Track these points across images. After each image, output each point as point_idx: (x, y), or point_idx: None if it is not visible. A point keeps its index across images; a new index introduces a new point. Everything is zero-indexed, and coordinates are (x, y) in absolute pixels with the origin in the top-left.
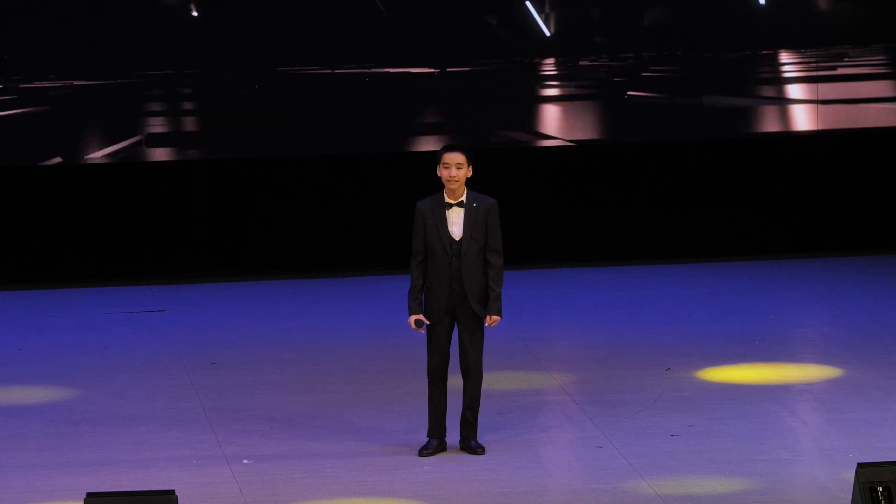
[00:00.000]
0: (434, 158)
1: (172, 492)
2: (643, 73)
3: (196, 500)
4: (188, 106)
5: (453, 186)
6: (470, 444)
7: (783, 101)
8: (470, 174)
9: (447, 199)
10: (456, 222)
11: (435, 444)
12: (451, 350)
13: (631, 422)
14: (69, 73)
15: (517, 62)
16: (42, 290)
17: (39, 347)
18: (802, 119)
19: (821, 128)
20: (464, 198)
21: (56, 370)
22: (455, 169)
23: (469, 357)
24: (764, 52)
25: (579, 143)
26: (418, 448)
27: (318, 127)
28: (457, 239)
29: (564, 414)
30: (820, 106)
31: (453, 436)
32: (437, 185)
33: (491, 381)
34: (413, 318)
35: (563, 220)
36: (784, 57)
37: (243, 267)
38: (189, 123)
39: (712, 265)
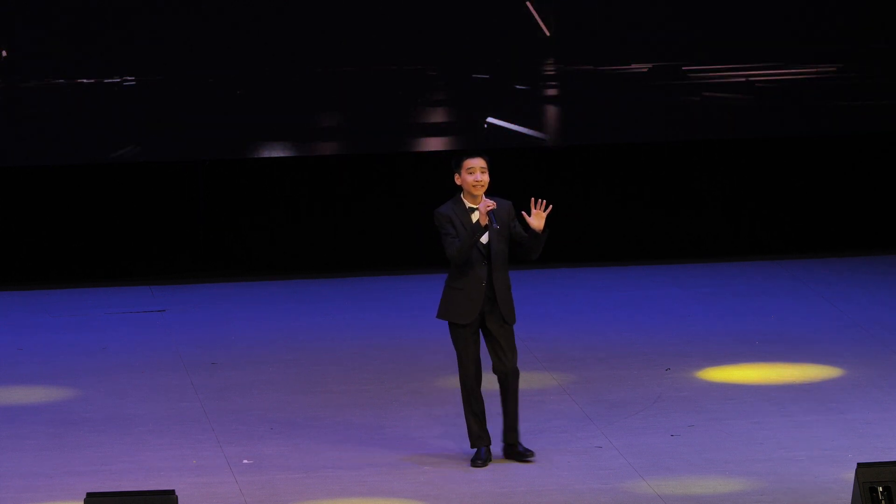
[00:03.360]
0: (432, 161)
1: (172, 492)
2: (643, 74)
3: (196, 500)
4: (188, 106)
5: (478, 192)
6: (518, 450)
7: (783, 102)
8: (489, 180)
9: (469, 205)
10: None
11: (486, 452)
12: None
13: (631, 422)
14: (69, 73)
15: (516, 62)
16: (42, 290)
17: (39, 347)
18: (802, 119)
19: (821, 129)
20: None
21: (56, 370)
22: (480, 173)
23: (506, 362)
24: (763, 52)
25: (579, 144)
26: (420, 449)
27: (318, 127)
28: (485, 243)
29: (564, 414)
30: (819, 107)
31: (458, 440)
32: (438, 186)
33: (491, 381)
34: (482, 213)
35: (563, 220)
36: (784, 57)
37: (243, 267)
38: (188, 124)
39: (712, 265)
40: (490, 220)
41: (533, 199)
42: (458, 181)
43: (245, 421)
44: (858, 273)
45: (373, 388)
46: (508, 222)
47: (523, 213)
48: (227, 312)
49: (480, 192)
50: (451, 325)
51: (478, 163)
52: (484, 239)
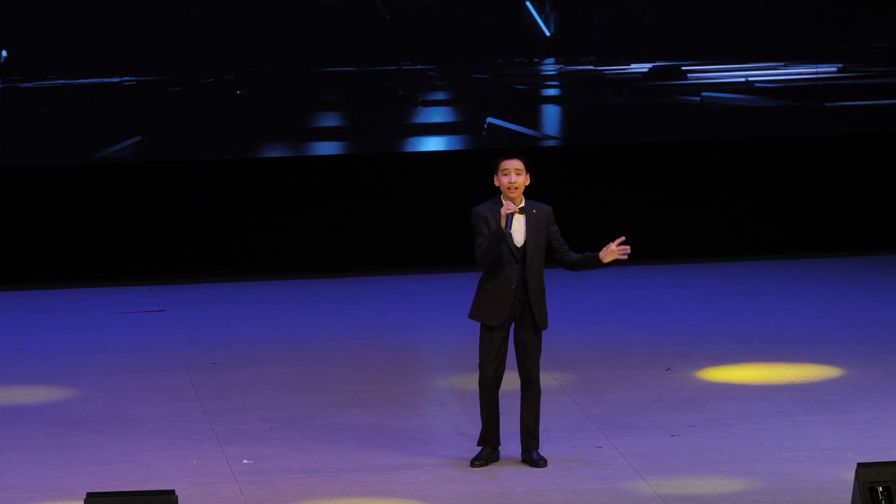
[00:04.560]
0: (432, 161)
1: (172, 492)
2: (643, 74)
3: (196, 500)
4: (188, 106)
5: (513, 194)
6: (532, 457)
7: (783, 102)
8: (528, 182)
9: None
10: (517, 229)
11: (487, 453)
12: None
13: (631, 422)
14: (69, 73)
15: (517, 62)
16: (42, 290)
17: (39, 347)
18: (803, 119)
19: (821, 128)
20: (523, 204)
21: (56, 370)
22: (515, 175)
23: (529, 369)
24: (764, 52)
25: (579, 143)
26: (420, 449)
27: (317, 127)
28: (519, 245)
29: (564, 414)
30: (820, 106)
31: (458, 440)
32: (438, 186)
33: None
34: (502, 216)
35: (562, 221)
36: (784, 57)
37: (243, 267)
38: (189, 123)
39: (712, 265)
40: (506, 223)
41: (623, 238)
42: (496, 182)
43: (245, 421)
44: (858, 273)
45: (373, 388)
46: (547, 227)
47: (610, 245)
48: (227, 312)
49: (515, 194)
50: (481, 325)
51: (513, 164)
52: (519, 242)
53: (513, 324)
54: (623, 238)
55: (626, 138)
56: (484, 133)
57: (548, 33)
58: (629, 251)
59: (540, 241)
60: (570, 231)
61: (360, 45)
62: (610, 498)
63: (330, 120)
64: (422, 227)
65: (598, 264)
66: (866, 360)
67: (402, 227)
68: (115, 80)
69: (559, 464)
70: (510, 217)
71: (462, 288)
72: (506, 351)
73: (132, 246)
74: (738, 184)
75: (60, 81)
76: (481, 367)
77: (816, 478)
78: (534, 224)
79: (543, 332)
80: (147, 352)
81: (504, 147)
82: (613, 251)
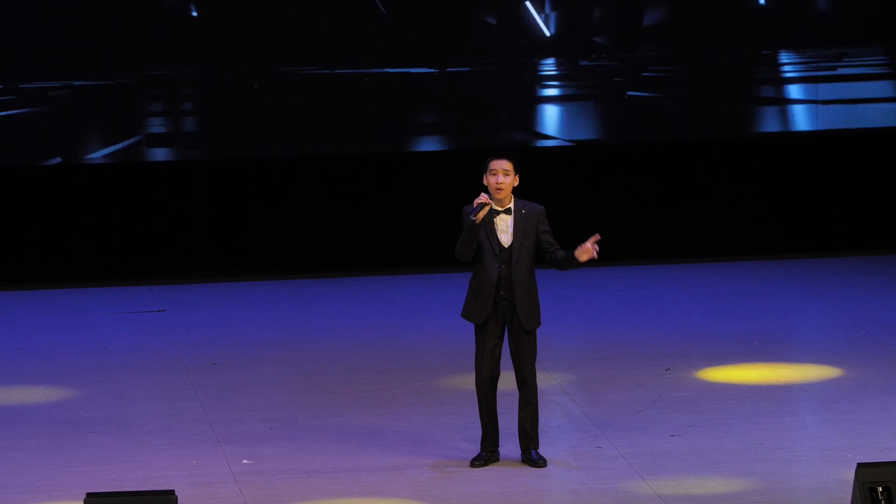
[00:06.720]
0: (432, 161)
1: (172, 492)
2: (643, 73)
3: (196, 500)
4: (188, 106)
5: (500, 196)
6: (531, 457)
7: (783, 101)
8: (517, 183)
9: (494, 206)
10: (504, 229)
11: (486, 455)
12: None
13: (631, 422)
14: (69, 73)
15: (517, 62)
16: (42, 290)
17: (39, 347)
18: (802, 119)
19: (821, 128)
20: (511, 205)
21: (56, 370)
22: (502, 175)
23: (523, 369)
24: (764, 52)
25: (579, 143)
26: (420, 449)
27: (318, 127)
28: (506, 246)
29: (564, 414)
30: (820, 106)
31: (458, 440)
32: (438, 185)
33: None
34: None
35: (562, 221)
36: (784, 57)
37: (243, 267)
38: (189, 123)
39: (712, 265)
40: (478, 213)
41: (598, 237)
42: (485, 181)
43: (245, 421)
44: (858, 273)
45: (373, 388)
46: (536, 227)
47: (585, 244)
48: (227, 312)
49: (501, 195)
50: (474, 327)
51: (500, 165)
52: (506, 242)
53: (507, 325)
54: (598, 237)
55: (626, 138)
56: (482, 133)
57: (548, 33)
58: (598, 250)
59: (528, 242)
60: (569, 231)
61: (361, 46)
62: (610, 498)
63: (330, 120)
64: (422, 226)
65: (578, 263)
66: (866, 360)
67: (403, 226)
68: (115, 80)
69: (559, 464)
70: (480, 207)
71: (462, 288)
72: (500, 352)
73: (132, 246)
74: (738, 184)
75: (60, 81)
76: (477, 367)
77: (816, 478)
78: (522, 225)
79: (541, 332)
80: (147, 352)
81: (499, 147)
82: (588, 250)
